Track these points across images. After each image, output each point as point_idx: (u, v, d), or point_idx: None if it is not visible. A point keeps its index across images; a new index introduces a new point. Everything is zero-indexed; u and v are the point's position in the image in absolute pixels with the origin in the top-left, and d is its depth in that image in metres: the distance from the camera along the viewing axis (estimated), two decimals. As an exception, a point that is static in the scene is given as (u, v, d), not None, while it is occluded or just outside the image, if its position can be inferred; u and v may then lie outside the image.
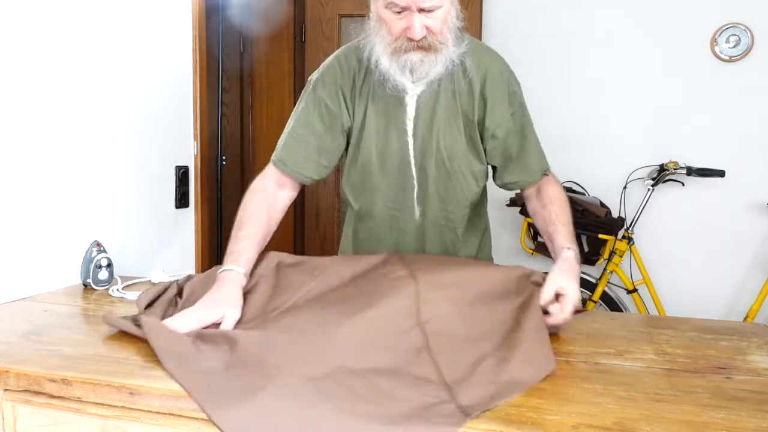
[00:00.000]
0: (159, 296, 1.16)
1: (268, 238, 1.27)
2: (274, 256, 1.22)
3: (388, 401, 0.81)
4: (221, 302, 1.05)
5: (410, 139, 1.26)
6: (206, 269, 2.02)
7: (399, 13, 1.12)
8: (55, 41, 1.40)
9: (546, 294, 1.06)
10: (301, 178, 1.29)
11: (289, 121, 1.32)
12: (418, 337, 0.97)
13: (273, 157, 1.30)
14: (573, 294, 1.06)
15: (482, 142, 1.28)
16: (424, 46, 1.14)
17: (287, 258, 1.22)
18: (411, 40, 1.13)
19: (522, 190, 1.35)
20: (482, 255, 1.43)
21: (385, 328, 0.97)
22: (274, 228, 1.28)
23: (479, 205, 1.39)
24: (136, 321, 1.03)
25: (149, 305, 1.13)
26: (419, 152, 1.27)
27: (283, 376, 0.84)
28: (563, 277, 1.09)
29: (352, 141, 1.31)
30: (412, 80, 1.20)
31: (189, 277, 1.24)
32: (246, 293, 1.11)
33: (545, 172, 1.31)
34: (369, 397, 0.82)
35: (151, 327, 0.97)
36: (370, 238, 1.38)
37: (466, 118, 1.26)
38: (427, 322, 1.00)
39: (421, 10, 1.10)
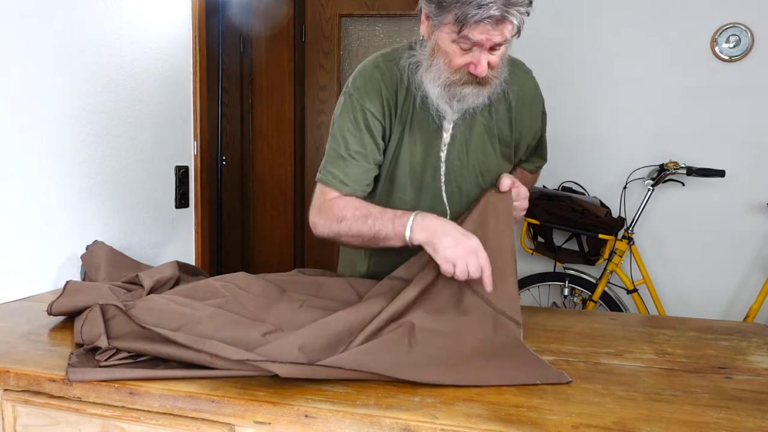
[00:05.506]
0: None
1: None
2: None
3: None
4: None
5: (443, 165, 1.24)
6: (206, 269, 2.02)
7: (467, 49, 1.06)
8: (57, 42, 1.40)
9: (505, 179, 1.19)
10: (362, 194, 1.24)
11: (333, 134, 1.24)
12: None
13: (325, 177, 1.23)
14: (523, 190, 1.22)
15: (516, 154, 1.32)
16: (481, 81, 1.11)
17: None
18: (471, 74, 1.09)
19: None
20: None
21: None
22: None
23: None
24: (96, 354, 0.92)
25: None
26: (451, 176, 1.25)
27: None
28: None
29: (386, 159, 1.25)
30: (453, 109, 1.18)
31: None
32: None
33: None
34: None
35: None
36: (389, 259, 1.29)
37: (501, 136, 1.26)
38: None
39: (491, 48, 1.06)
